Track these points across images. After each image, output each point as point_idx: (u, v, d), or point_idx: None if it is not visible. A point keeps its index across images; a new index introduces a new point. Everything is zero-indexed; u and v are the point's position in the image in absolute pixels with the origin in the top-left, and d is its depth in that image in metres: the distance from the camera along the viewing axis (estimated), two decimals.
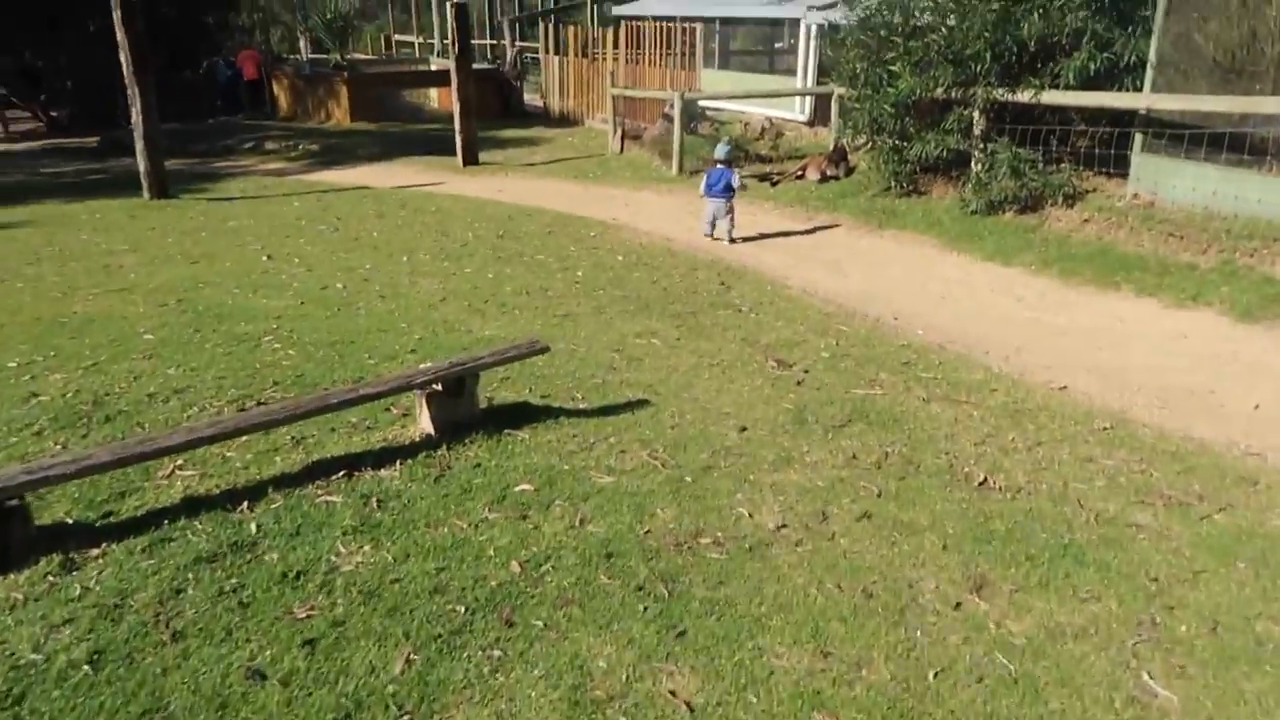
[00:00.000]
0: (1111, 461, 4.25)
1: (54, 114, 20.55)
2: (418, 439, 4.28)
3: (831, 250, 8.86)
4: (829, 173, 11.34)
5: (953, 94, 9.32)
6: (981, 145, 9.26)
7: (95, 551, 3.30)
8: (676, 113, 12.47)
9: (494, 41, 27.75)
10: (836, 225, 9.84)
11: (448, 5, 13.95)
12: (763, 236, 9.47)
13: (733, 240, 9.19)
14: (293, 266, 8.10)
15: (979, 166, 9.26)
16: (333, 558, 3.27)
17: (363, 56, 30.66)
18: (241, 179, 13.88)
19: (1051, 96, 8.71)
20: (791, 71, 14.76)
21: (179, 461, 3.96)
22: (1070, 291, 7.30)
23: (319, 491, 3.75)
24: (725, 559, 3.36)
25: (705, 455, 4.23)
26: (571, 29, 19.40)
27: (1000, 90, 8.98)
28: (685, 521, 3.62)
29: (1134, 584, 3.25)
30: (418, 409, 4.36)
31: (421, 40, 31.37)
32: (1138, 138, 8.28)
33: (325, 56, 24.72)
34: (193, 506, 3.61)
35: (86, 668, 2.71)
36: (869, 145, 10.55)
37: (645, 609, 3.03)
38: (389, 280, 7.56)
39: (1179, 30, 7.92)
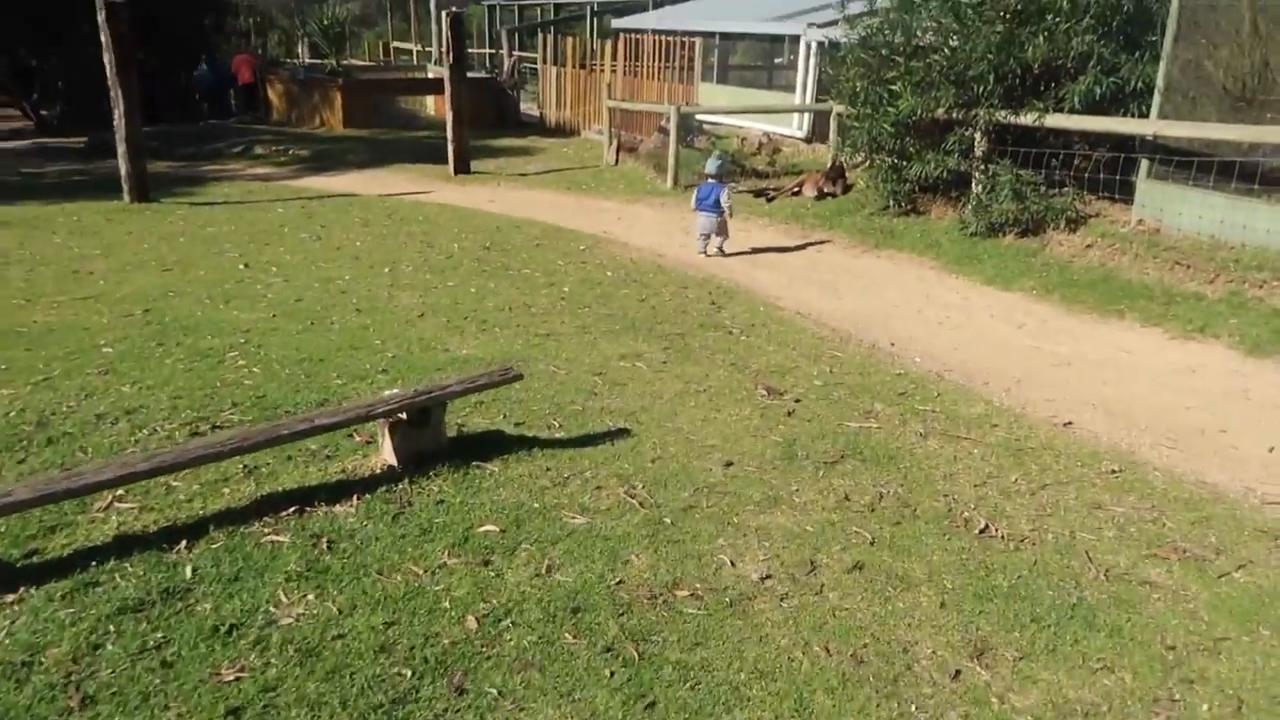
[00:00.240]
0: (1121, 509, 3.98)
1: (43, 113, 20.26)
2: (379, 471, 3.99)
3: (826, 270, 8.60)
4: (826, 190, 11.10)
5: (954, 115, 9.08)
6: (982, 166, 9.02)
7: (11, 597, 2.99)
8: (673, 126, 12.23)
9: (493, 51, 27.60)
10: (832, 243, 9.59)
11: (443, 14, 13.76)
12: (756, 252, 9.22)
13: (725, 254, 8.97)
14: (269, 276, 7.81)
15: (979, 188, 9.01)
16: (272, 609, 2.98)
17: (360, 63, 30.46)
18: (227, 183, 13.59)
19: (1056, 120, 8.48)
20: (790, 88, 14.54)
21: (120, 491, 3.67)
22: (1072, 319, 7.05)
23: (266, 530, 3.46)
24: (703, 615, 3.07)
25: (687, 494, 3.95)
26: (570, 40, 19.22)
27: (1003, 112, 8.75)
28: (662, 570, 3.33)
29: (1149, 652, 2.97)
30: (380, 438, 4.07)
31: (420, 48, 31.21)
32: (1143, 163, 8.04)
33: (323, 62, 24.50)
34: (126, 545, 3.31)
35: None
36: (867, 163, 10.32)
37: (612, 674, 2.74)
38: (367, 293, 7.27)
39: (1188, 57, 7.69)
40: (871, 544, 3.60)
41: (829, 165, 11.51)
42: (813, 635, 3.00)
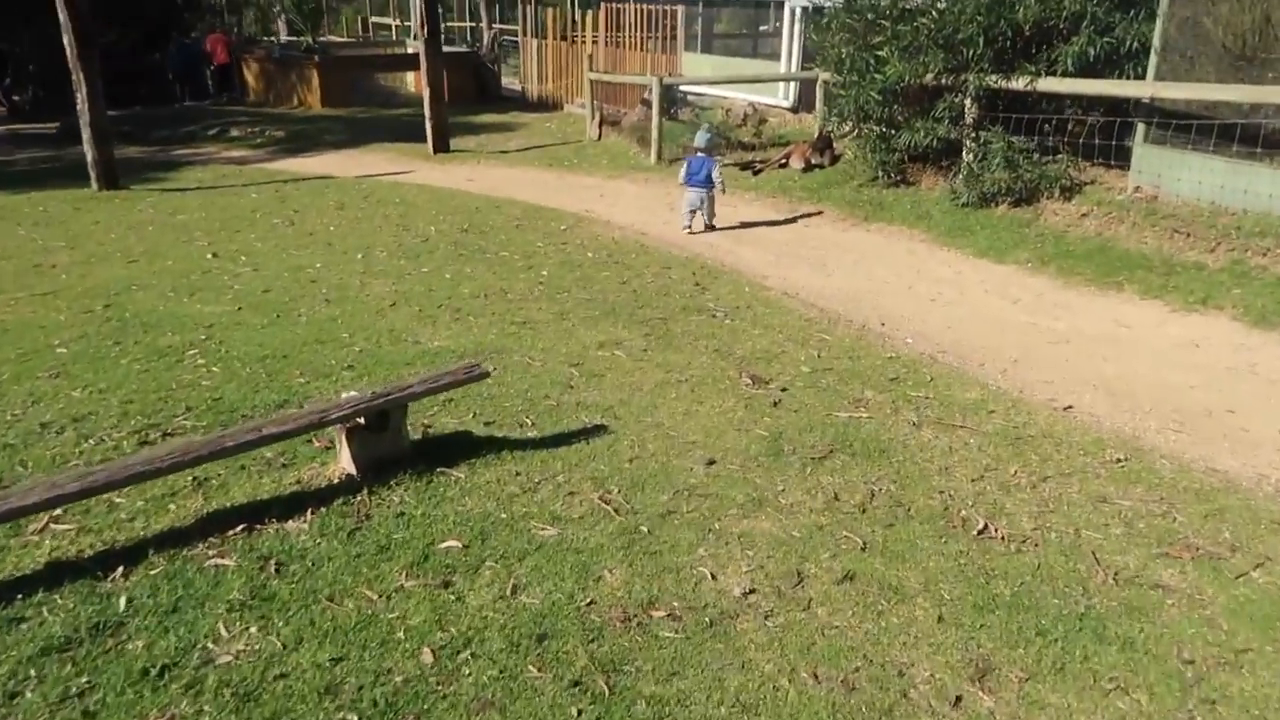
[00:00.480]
0: (1128, 502, 3.74)
1: (15, 98, 19.77)
2: (337, 480, 3.73)
3: (814, 245, 8.32)
4: (813, 161, 10.79)
5: (943, 80, 8.78)
6: (973, 134, 8.73)
7: None
8: (655, 98, 11.88)
9: (473, 24, 27.05)
10: (820, 216, 9.30)
11: None
12: (744, 227, 8.95)
13: (715, 228, 8.72)
14: (238, 265, 7.51)
15: (971, 156, 8.72)
16: (210, 645, 2.73)
17: (338, 39, 29.84)
18: (200, 168, 13.22)
19: (1048, 84, 8.18)
20: (776, 56, 14.19)
21: (56, 512, 3.41)
22: (1069, 292, 6.80)
23: (210, 552, 3.21)
24: (681, 638, 2.83)
25: (666, 497, 3.70)
26: (551, 11, 18.77)
27: (994, 77, 8.44)
28: (636, 586, 3.09)
29: (1166, 668, 2.75)
30: (338, 445, 3.81)
31: (399, 22, 30.55)
32: (1140, 127, 7.75)
33: (299, 39, 23.95)
34: (58, 574, 3.06)
35: None
36: (855, 133, 10.02)
37: (579, 713, 2.51)
38: (338, 282, 6.98)
39: (1185, 14, 7.38)
40: (863, 550, 3.36)
41: (816, 136, 11.19)
42: (800, 659, 2.76)
